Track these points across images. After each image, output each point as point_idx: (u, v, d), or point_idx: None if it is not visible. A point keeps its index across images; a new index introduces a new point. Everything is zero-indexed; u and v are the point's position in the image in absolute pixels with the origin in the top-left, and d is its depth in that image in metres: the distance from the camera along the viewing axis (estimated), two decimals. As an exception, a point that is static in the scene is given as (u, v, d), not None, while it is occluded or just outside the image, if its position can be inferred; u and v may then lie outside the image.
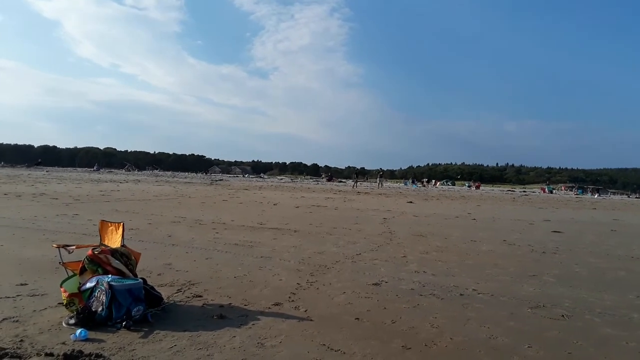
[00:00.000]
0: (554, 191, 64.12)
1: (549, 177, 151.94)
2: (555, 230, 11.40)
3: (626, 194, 74.77)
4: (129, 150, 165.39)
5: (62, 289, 3.79)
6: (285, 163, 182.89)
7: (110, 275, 3.72)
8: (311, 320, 3.80)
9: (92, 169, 70.50)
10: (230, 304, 4.15)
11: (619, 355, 3.31)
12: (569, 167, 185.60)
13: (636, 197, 59.96)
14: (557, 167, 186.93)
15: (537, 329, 3.82)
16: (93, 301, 3.58)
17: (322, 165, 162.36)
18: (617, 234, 11.47)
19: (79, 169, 79.04)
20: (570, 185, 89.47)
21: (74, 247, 4.12)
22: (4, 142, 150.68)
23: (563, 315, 4.21)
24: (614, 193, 78.74)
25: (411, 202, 21.63)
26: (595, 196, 53.72)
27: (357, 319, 3.89)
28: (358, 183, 46.40)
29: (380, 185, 44.90)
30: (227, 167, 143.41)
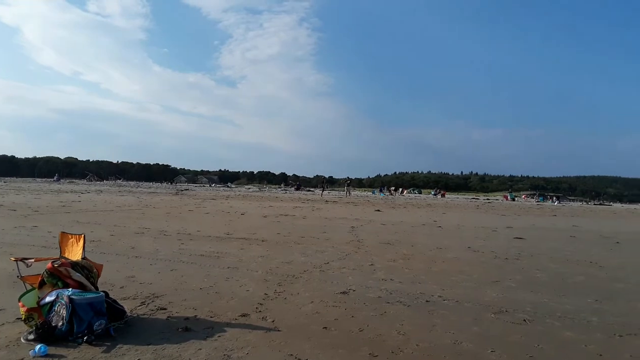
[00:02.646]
0: (516, 199, 65.73)
1: (511, 185, 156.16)
2: (517, 236, 11.70)
3: (585, 201, 77.45)
4: (91, 160, 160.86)
5: (20, 304, 3.66)
6: (253, 172, 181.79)
7: (70, 289, 3.61)
8: (279, 330, 3.78)
9: (52, 180, 68.20)
10: (195, 316, 4.09)
11: (578, 358, 3.42)
12: (530, 175, 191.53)
13: (594, 204, 62.25)
14: (519, 175, 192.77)
15: (500, 333, 3.91)
16: (53, 316, 3.47)
17: (291, 174, 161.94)
18: (576, 239, 11.87)
19: (38, 179, 76.50)
20: (532, 192, 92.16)
21: (32, 260, 3.99)
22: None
23: (525, 320, 4.32)
24: (573, 200, 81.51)
25: (379, 210, 21.82)
26: (556, 203, 55.49)
27: (325, 328, 3.89)
28: (326, 191, 46.48)
29: (347, 194, 44.94)
30: (194, 177, 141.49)
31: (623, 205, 69.47)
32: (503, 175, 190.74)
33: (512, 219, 19.12)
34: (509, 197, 65.98)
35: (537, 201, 61.98)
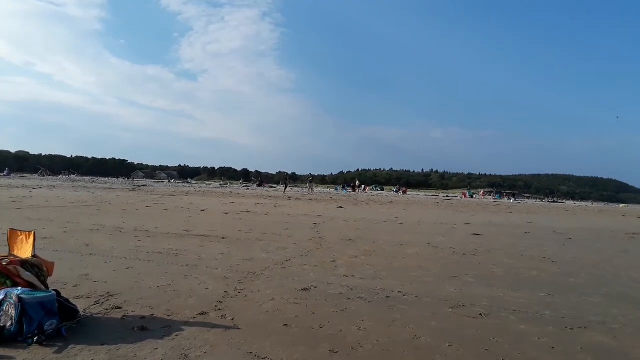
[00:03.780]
0: (474, 196, 67.51)
1: (470, 182, 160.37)
2: (474, 233, 12.02)
3: (539, 198, 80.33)
4: (44, 154, 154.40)
5: (-37, 304, 3.46)
6: (214, 168, 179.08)
7: (20, 288, 3.46)
8: (238, 328, 3.73)
9: (1, 174, 65.22)
10: (152, 315, 3.98)
11: (532, 350, 3.53)
12: (488, 173, 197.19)
13: (548, 201, 64.67)
14: (477, 173, 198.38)
15: (457, 327, 3.99)
16: (1, 315, 3.30)
17: (253, 170, 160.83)
18: (530, 235, 12.28)
19: (-14, 173, 72.96)
20: (489, 190, 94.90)
21: (-23, 258, 3.79)
22: None
23: (481, 314, 4.43)
24: (528, 197, 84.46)
25: (341, 207, 21.94)
26: (512, 200, 57.35)
27: (286, 325, 3.86)
28: (288, 188, 46.30)
29: (310, 191, 44.88)
30: (152, 172, 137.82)
31: (575, 202, 72.64)
32: (462, 173, 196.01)
33: (470, 216, 19.64)
34: (467, 194, 67.70)
35: (494, 198, 63.95)
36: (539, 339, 3.79)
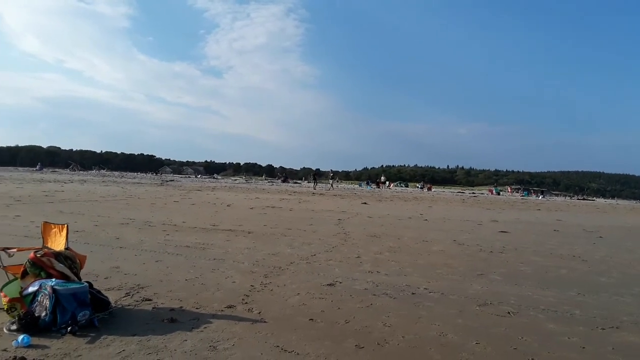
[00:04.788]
0: (501, 193, 66.49)
1: (496, 179, 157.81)
2: (502, 230, 11.84)
3: (569, 196, 78.56)
4: (74, 149, 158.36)
5: (2, 294, 3.61)
6: (240, 164, 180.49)
7: (53, 279, 3.56)
8: (265, 322, 3.77)
9: (34, 169, 67.11)
10: (181, 307, 4.06)
11: (561, 349, 3.47)
12: (515, 170, 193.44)
13: (578, 199, 63.16)
14: (504, 170, 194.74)
15: (485, 325, 3.94)
16: (36, 306, 3.41)
17: (277, 166, 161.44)
18: (559, 233, 12.03)
19: (20, 168, 75.23)
20: (517, 187, 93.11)
21: (15, 249, 3.93)
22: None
23: (509, 312, 4.37)
24: (557, 195, 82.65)
25: (365, 203, 21.88)
26: (540, 198, 56.19)
27: (311, 319, 3.89)
28: (318, 185, 46.22)
29: (331, 187, 44.61)
30: (179, 168, 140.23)
31: (606, 200, 70.75)
32: (488, 170, 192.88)
33: (497, 213, 19.34)
34: (494, 191, 66.74)
35: (522, 195, 62.71)
36: (568, 338, 3.72)
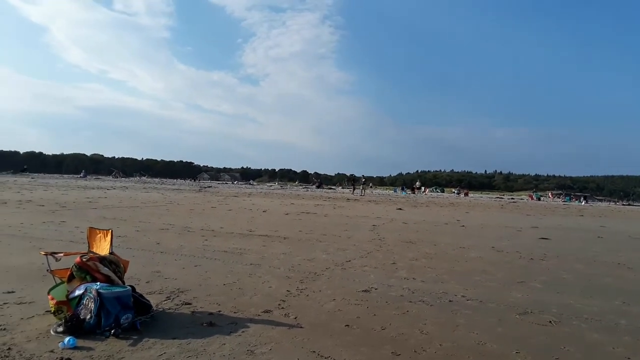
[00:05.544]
0: (541, 198, 64.57)
1: (536, 184, 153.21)
2: (542, 237, 11.51)
3: (613, 201, 75.55)
4: (117, 157, 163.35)
5: (49, 297, 3.75)
6: (275, 170, 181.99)
7: (98, 283, 3.69)
8: (301, 327, 3.80)
9: (78, 176, 69.58)
10: (219, 311, 4.14)
11: (605, 360, 3.35)
12: (556, 175, 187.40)
13: (623, 204, 60.67)
14: (545, 175, 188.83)
15: (525, 334, 3.85)
16: (81, 309, 3.54)
17: (312, 172, 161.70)
18: (603, 240, 11.61)
19: (65, 175, 78.19)
20: (558, 192, 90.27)
21: (61, 254, 4.09)
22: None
23: (550, 321, 4.25)
24: (601, 200, 79.63)
25: (400, 209, 21.69)
26: (583, 203, 54.32)
27: (347, 325, 3.89)
28: (356, 190, 45.82)
29: (362, 193, 44.07)
30: (216, 174, 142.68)
31: (652, 205, 67.57)
32: (528, 175, 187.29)
33: (537, 219, 18.80)
34: (534, 196, 64.83)
35: (564, 201, 60.74)
36: (613, 348, 3.59)
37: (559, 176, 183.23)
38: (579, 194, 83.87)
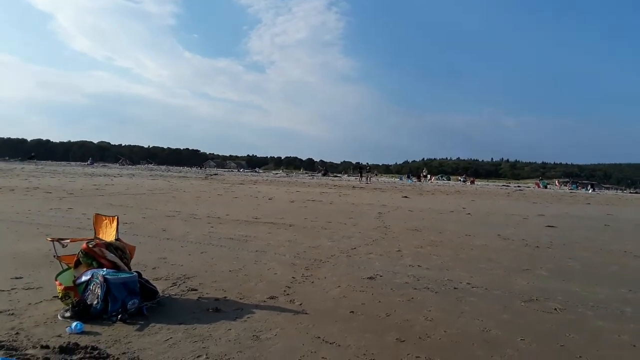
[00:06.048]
0: (548, 186, 64.18)
1: (543, 172, 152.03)
2: (549, 224, 11.47)
3: (620, 189, 75.03)
4: (123, 144, 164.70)
5: (57, 282, 3.78)
6: (281, 157, 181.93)
7: (105, 269, 3.72)
8: (306, 313, 3.82)
9: (86, 163, 70.09)
10: (225, 297, 4.16)
11: (610, 347, 3.35)
12: (563, 162, 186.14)
13: (630, 192, 60.23)
14: (552, 162, 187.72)
15: (530, 321, 3.85)
16: (88, 294, 3.58)
17: (318, 160, 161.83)
18: (610, 228, 11.55)
19: (72, 163, 78.61)
20: (565, 180, 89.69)
21: (68, 240, 4.12)
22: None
23: (556, 309, 4.25)
24: (608, 188, 79.07)
25: (406, 196, 21.66)
26: (590, 191, 53.99)
27: (352, 312, 3.91)
28: (364, 178, 45.52)
29: (368, 181, 43.59)
30: (222, 162, 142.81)
31: (660, 194, 67.03)
32: (535, 162, 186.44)
33: (544, 207, 18.74)
34: (541, 184, 64.47)
35: (571, 189, 60.41)
36: (618, 336, 3.58)
37: (566, 164, 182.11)
38: (586, 182, 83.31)
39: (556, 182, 79.37)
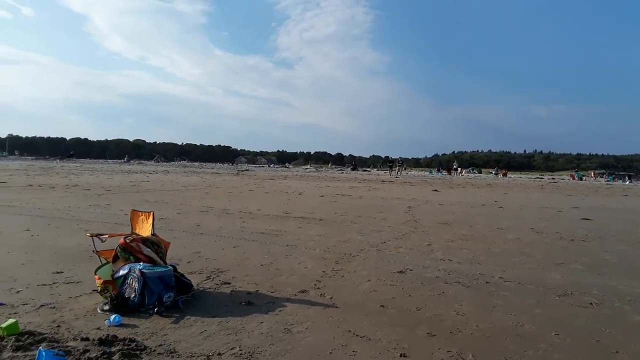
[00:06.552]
0: (583, 178, 62.39)
1: (578, 163, 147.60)
2: (584, 217, 11.18)
3: (660, 180, 72.18)
4: (158, 142, 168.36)
5: (96, 277, 3.92)
6: (310, 153, 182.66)
7: (141, 263, 3.84)
8: (336, 307, 3.86)
9: (122, 161, 72.03)
10: (257, 291, 4.24)
11: (648, 343, 3.27)
12: (599, 153, 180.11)
13: (671, 183, 57.92)
14: (587, 154, 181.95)
15: (565, 316, 3.79)
16: (126, 288, 3.70)
17: (347, 155, 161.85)
18: (650, 221, 11.16)
19: (109, 160, 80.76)
20: (601, 171, 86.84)
21: (106, 235, 4.25)
22: (38, 136, 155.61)
23: (591, 303, 4.17)
24: (647, 179, 76.14)
25: (436, 190, 21.42)
26: (627, 182, 52.15)
27: (382, 306, 3.92)
28: (394, 172, 45.31)
29: (398, 175, 43.39)
30: (253, 158, 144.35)
31: None
32: (570, 154, 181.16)
33: (579, 199, 18.24)
34: (575, 176, 62.70)
35: (607, 180, 58.50)
36: (658, 332, 3.49)
37: (602, 155, 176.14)
38: (622, 173, 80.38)
39: (592, 173, 77.02)
